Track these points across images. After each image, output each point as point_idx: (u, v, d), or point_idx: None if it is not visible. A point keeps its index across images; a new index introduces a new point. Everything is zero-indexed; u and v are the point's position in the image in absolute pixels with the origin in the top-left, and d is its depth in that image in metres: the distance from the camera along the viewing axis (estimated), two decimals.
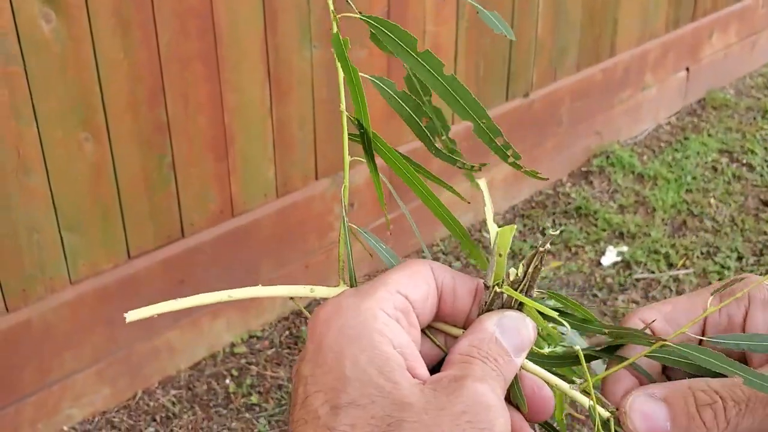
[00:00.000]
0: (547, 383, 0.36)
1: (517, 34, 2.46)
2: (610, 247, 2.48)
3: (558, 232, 0.35)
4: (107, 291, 1.75)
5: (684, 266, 2.41)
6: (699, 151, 3.03)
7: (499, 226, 0.35)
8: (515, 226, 0.35)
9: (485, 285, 0.35)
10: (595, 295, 2.29)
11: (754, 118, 3.29)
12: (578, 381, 0.36)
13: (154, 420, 1.82)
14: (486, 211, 0.37)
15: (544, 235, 2.54)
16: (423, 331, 0.35)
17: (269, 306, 2.12)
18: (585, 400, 0.36)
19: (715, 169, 2.93)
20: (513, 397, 0.35)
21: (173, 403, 1.86)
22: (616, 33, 2.83)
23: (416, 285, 0.34)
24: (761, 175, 2.88)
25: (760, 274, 2.42)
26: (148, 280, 1.81)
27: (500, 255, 0.34)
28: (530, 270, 0.35)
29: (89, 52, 1.56)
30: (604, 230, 2.56)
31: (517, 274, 0.35)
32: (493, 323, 0.34)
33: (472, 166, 0.36)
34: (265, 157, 1.95)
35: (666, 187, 2.79)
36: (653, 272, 2.38)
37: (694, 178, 2.85)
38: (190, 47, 1.71)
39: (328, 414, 0.29)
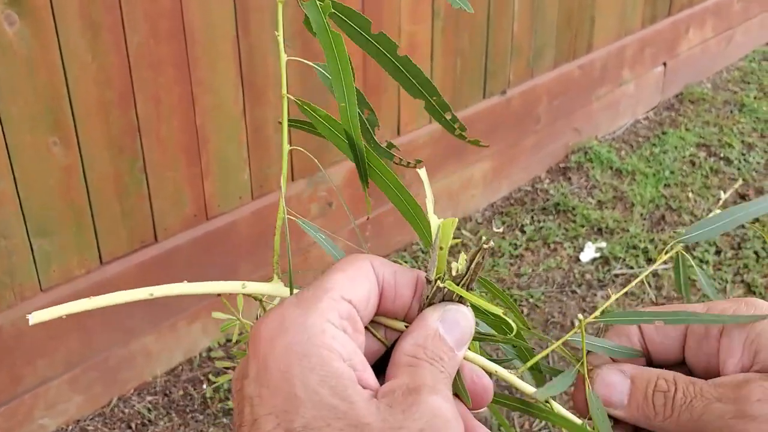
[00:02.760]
0: (486, 370, 0.36)
1: (493, 31, 2.46)
2: (589, 243, 2.48)
3: (501, 230, 0.37)
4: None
5: (663, 261, 2.43)
6: (677, 145, 3.05)
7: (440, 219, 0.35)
8: (456, 220, 0.35)
9: (427, 279, 0.35)
10: (574, 292, 2.29)
11: (731, 112, 3.31)
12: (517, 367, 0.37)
13: (130, 427, 1.79)
14: (427, 203, 0.37)
15: (523, 232, 2.54)
16: (365, 327, 0.34)
17: (246, 310, 2.10)
18: (525, 386, 0.37)
19: (693, 163, 2.94)
20: (455, 389, 0.35)
21: (149, 410, 1.84)
22: (593, 29, 2.84)
23: (359, 285, 0.33)
24: (738, 169, 2.90)
25: (738, 268, 2.42)
26: (122, 286, 1.77)
27: (441, 248, 0.34)
28: (472, 266, 0.34)
29: (56, 54, 1.53)
30: (583, 226, 2.56)
31: (458, 269, 0.35)
32: (436, 318, 0.34)
33: (408, 163, 0.36)
34: (239, 159, 1.93)
35: (644, 182, 2.80)
36: (632, 267, 2.39)
37: (672, 172, 2.87)
38: (161, 49, 1.68)
39: None
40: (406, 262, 2.37)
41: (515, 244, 2.47)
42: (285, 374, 0.30)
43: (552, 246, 2.47)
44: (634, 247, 2.47)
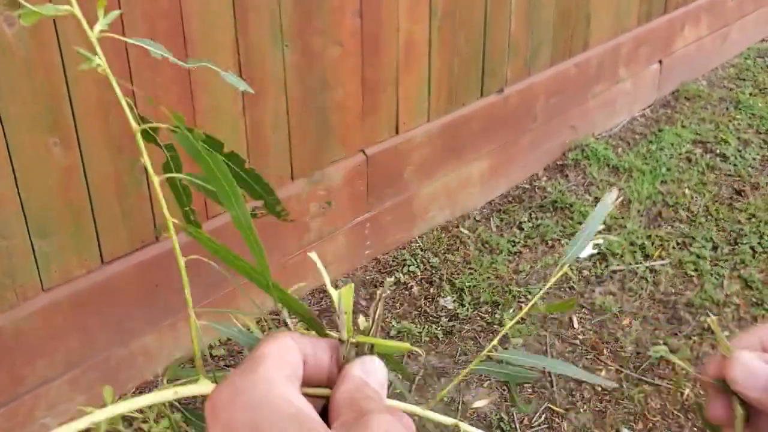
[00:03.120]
0: (407, 412, 0.41)
1: (491, 30, 2.47)
2: None
3: (392, 279, 0.42)
4: (81, 297, 1.73)
5: (660, 257, 2.44)
6: (673, 142, 3.06)
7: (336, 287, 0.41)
8: (353, 285, 0.40)
9: (340, 340, 0.39)
10: (572, 288, 2.31)
11: (727, 109, 3.33)
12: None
13: (131, 426, 1.80)
14: (324, 279, 0.42)
15: (521, 229, 2.55)
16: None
17: (247, 308, 2.10)
18: (443, 418, 0.43)
19: (689, 160, 2.95)
20: None
21: (150, 409, 1.84)
22: (589, 27, 2.85)
23: (288, 353, 0.36)
24: (734, 165, 2.91)
25: (735, 264, 2.44)
26: (123, 285, 1.79)
27: (346, 313, 0.39)
28: (376, 317, 0.40)
29: (55, 54, 1.53)
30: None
31: (364, 324, 0.40)
32: (357, 370, 0.37)
33: (287, 216, 0.43)
34: None
35: (641, 179, 2.81)
36: (630, 264, 2.40)
37: (668, 169, 2.88)
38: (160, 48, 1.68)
39: None
40: (405, 260, 2.38)
41: (513, 242, 2.48)
42: (251, 428, 0.32)
43: (550, 243, 2.48)
44: (632, 244, 2.48)
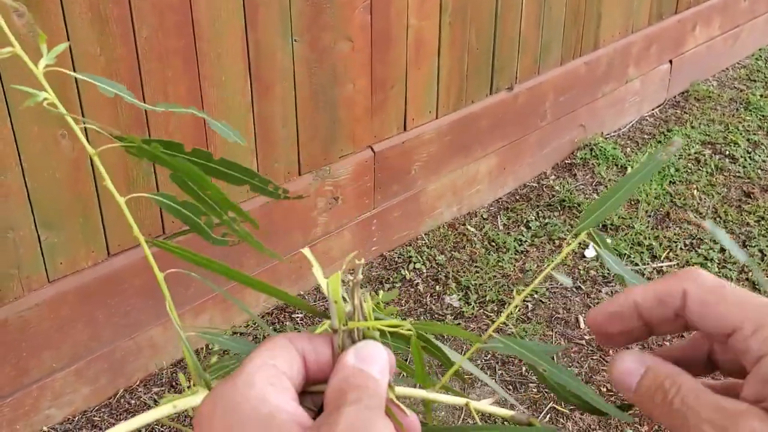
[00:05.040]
0: (416, 397, 0.40)
1: (501, 27, 2.45)
2: None
3: (362, 261, 0.41)
4: (87, 289, 1.73)
5: (667, 258, 2.42)
6: (682, 142, 3.04)
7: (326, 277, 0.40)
8: (339, 274, 0.39)
9: (333, 330, 0.38)
10: (579, 288, 2.30)
11: (737, 110, 3.30)
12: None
13: None
14: (315, 272, 0.41)
15: (528, 228, 2.54)
16: (300, 398, 0.38)
17: (253, 301, 2.10)
18: (456, 400, 0.42)
19: (698, 160, 2.94)
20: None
21: (155, 401, 1.84)
22: (600, 26, 2.83)
23: (279, 353, 0.36)
24: (744, 167, 2.90)
25: (743, 266, 2.42)
26: (129, 278, 1.79)
27: (335, 302, 0.38)
28: (355, 301, 0.38)
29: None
30: None
31: (349, 309, 0.39)
32: (351, 357, 0.36)
33: (260, 245, 0.41)
34: (246, 152, 1.93)
35: (649, 180, 2.80)
36: (637, 264, 2.39)
37: (677, 170, 2.86)
38: (169, 43, 1.68)
39: None
40: (411, 256, 2.38)
41: (520, 240, 2.47)
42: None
43: (557, 242, 2.47)
44: (639, 244, 2.47)
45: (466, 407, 0.42)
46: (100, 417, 1.80)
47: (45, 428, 1.75)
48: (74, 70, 1.56)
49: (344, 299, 0.38)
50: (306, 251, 0.42)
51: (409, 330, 0.40)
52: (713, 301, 0.36)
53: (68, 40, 1.53)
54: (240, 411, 0.33)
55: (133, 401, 1.84)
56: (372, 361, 0.36)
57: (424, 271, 2.33)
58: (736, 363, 0.36)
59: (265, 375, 0.34)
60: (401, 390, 0.39)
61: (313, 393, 0.37)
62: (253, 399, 0.33)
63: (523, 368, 2.01)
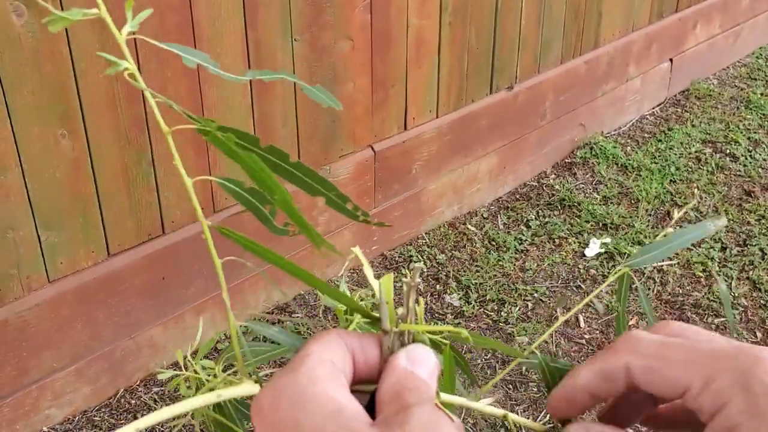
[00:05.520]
0: (460, 406, 0.40)
1: (501, 26, 2.45)
2: (594, 239, 2.48)
3: (421, 264, 0.40)
4: (87, 289, 1.73)
5: (668, 257, 2.42)
6: (683, 141, 3.04)
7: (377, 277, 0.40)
8: (392, 275, 0.39)
9: (383, 331, 0.38)
10: (578, 287, 2.30)
11: (738, 108, 3.30)
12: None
13: (137, 418, 1.80)
14: (365, 271, 0.41)
15: (528, 227, 2.54)
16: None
17: (253, 301, 2.10)
18: (496, 411, 0.42)
19: (698, 159, 2.94)
20: None
21: (155, 401, 1.84)
22: (600, 25, 2.83)
23: (333, 349, 0.36)
24: (744, 165, 2.89)
25: (744, 265, 2.42)
26: (129, 277, 1.79)
27: (387, 303, 0.38)
28: (411, 304, 0.38)
29: (64, 47, 1.53)
30: (588, 221, 2.56)
31: (403, 312, 0.39)
32: (402, 360, 0.36)
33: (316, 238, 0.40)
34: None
35: (650, 178, 2.79)
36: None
37: (677, 168, 2.86)
38: (169, 42, 1.68)
39: None
40: (411, 255, 2.38)
41: (520, 239, 2.47)
42: (294, 427, 0.32)
43: (557, 241, 2.47)
44: (639, 243, 2.46)
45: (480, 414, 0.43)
46: (100, 417, 1.80)
47: (45, 428, 1.75)
48: (74, 71, 1.56)
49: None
50: (356, 250, 0.42)
51: (446, 341, 0.40)
52: (657, 367, 0.36)
53: (68, 40, 1.53)
54: (307, 405, 0.33)
55: (133, 401, 1.84)
56: (422, 365, 0.36)
57: (425, 270, 2.33)
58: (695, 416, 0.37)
59: (326, 371, 0.34)
60: (445, 397, 0.40)
61: (355, 392, 0.38)
62: (319, 394, 0.33)
63: (524, 368, 2.01)
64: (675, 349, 0.36)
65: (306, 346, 0.36)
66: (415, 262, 2.36)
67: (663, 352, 0.36)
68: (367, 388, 0.37)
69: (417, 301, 0.38)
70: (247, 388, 0.38)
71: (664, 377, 0.36)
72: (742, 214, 2.62)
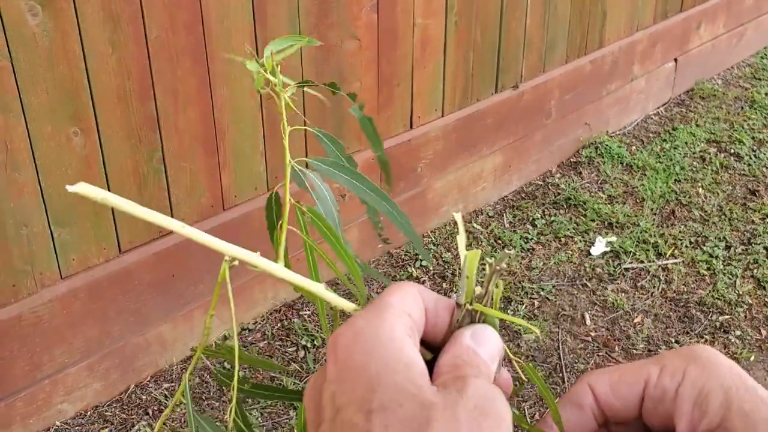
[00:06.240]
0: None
1: (506, 25, 2.47)
2: (600, 237, 2.50)
3: (513, 252, 0.41)
4: (99, 285, 1.75)
5: (673, 256, 2.44)
6: (687, 141, 3.05)
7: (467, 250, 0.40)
8: (480, 251, 0.40)
9: (457, 303, 0.39)
10: (584, 285, 2.31)
11: (742, 108, 3.31)
12: None
13: (147, 414, 1.82)
14: (459, 240, 0.42)
15: (534, 226, 2.56)
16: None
17: (261, 299, 2.12)
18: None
19: (703, 159, 2.95)
20: None
21: (166, 397, 1.86)
22: (605, 24, 2.84)
23: (413, 304, 0.37)
24: (749, 165, 2.90)
25: (748, 263, 2.43)
26: (140, 274, 1.81)
27: (468, 277, 0.39)
28: (490, 287, 0.39)
29: (77, 46, 1.55)
30: (594, 220, 2.58)
31: (481, 291, 0.39)
32: (468, 337, 0.37)
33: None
34: (255, 151, 1.95)
35: (654, 177, 2.81)
36: (642, 262, 2.40)
37: (682, 168, 2.87)
38: (179, 41, 1.70)
39: (363, 420, 0.32)
40: (417, 254, 2.39)
41: (526, 238, 2.49)
42: (363, 369, 0.34)
43: (563, 240, 2.49)
44: (645, 242, 2.48)
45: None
46: (111, 412, 1.82)
47: (58, 423, 1.77)
48: (87, 70, 1.58)
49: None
50: (457, 216, 0.44)
51: (537, 332, 0.42)
52: (616, 375, 0.39)
53: (80, 39, 1.55)
54: (381, 352, 0.34)
55: (144, 396, 1.86)
56: (486, 345, 0.37)
57: (431, 268, 2.35)
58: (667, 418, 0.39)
59: (403, 325, 0.36)
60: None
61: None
62: (393, 346, 0.34)
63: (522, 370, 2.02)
64: (628, 364, 0.40)
65: (386, 296, 0.37)
66: (421, 260, 2.38)
67: (619, 366, 0.40)
68: (426, 354, 0.38)
69: (497, 286, 0.39)
70: (347, 305, 0.40)
71: (624, 382, 0.39)
72: (746, 213, 2.63)
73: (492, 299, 0.39)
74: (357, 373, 0.34)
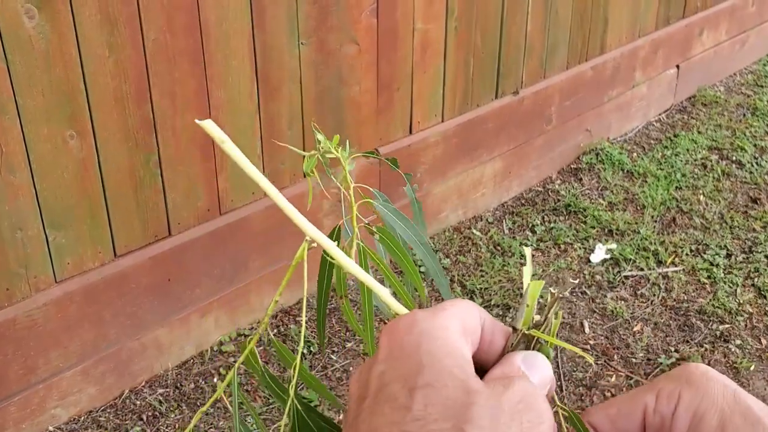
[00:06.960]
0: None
1: (507, 30, 2.46)
2: (600, 245, 2.48)
3: (577, 281, 0.41)
4: (94, 289, 1.74)
5: (673, 264, 2.42)
6: (689, 148, 3.04)
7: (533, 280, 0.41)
8: (543, 282, 0.40)
9: (513, 328, 0.39)
10: (584, 293, 2.29)
11: (744, 116, 3.30)
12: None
13: (141, 419, 1.81)
14: (525, 270, 0.43)
15: (534, 232, 2.54)
16: None
17: (258, 305, 2.11)
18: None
19: (704, 166, 2.93)
20: None
21: (160, 402, 1.85)
22: (606, 30, 2.83)
23: (470, 317, 0.38)
24: (750, 172, 2.89)
25: (749, 272, 2.42)
26: (135, 279, 1.80)
27: (528, 305, 0.39)
28: (550, 314, 0.40)
29: (73, 48, 1.54)
30: (594, 227, 2.56)
31: (539, 319, 0.40)
32: (520, 359, 0.38)
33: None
34: (253, 155, 1.94)
35: (655, 185, 2.79)
36: (642, 270, 2.39)
37: (683, 175, 2.86)
38: (177, 44, 1.69)
39: (405, 396, 0.33)
40: (416, 260, 2.38)
41: (525, 244, 2.47)
42: (415, 350, 0.35)
43: (562, 247, 2.47)
44: (645, 249, 2.46)
45: None
46: (105, 417, 1.81)
47: (51, 428, 1.75)
48: (83, 72, 1.57)
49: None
50: (527, 250, 0.45)
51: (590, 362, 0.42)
52: (614, 406, 0.39)
53: (77, 41, 1.54)
54: (435, 337, 0.35)
55: (138, 402, 1.85)
56: (537, 372, 0.38)
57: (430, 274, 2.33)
58: None
59: (458, 327, 0.37)
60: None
61: None
62: (447, 335, 0.36)
63: None
64: (624, 395, 0.40)
65: (446, 304, 0.38)
66: (420, 266, 2.37)
67: (614, 399, 0.40)
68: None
69: (556, 315, 0.39)
70: (398, 307, 0.42)
71: (623, 415, 0.39)
72: (747, 221, 2.62)
73: (550, 328, 0.39)
74: (408, 353, 0.35)
